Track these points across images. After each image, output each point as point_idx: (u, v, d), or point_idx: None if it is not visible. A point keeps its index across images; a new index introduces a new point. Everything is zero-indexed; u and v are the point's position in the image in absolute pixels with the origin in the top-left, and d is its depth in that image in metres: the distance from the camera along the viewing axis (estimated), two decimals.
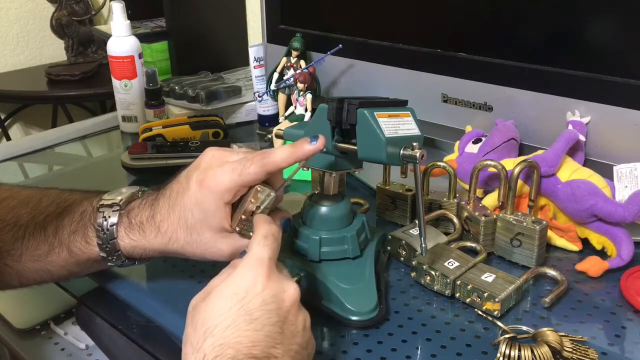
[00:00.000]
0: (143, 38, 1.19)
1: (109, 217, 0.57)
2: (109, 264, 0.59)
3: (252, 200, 0.53)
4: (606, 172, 0.67)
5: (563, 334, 0.53)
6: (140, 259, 0.59)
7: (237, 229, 0.53)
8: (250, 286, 0.45)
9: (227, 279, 0.46)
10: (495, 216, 0.66)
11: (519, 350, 0.50)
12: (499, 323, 0.56)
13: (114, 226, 0.56)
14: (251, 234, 0.51)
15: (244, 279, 0.46)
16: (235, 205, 0.54)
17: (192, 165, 0.56)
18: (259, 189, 0.53)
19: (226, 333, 0.43)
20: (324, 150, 0.54)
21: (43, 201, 0.60)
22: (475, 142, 0.76)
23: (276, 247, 0.49)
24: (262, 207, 0.53)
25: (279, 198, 0.56)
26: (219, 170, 0.52)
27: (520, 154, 0.75)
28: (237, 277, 0.46)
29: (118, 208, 0.57)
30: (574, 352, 0.51)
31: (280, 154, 0.52)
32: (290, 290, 0.47)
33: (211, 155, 0.55)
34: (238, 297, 0.45)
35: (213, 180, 0.52)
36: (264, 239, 0.49)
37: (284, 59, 0.99)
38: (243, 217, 0.53)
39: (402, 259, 0.66)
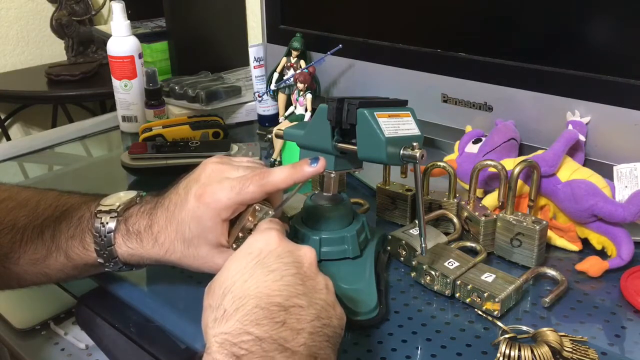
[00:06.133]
0: (143, 38, 1.19)
1: (107, 223, 0.56)
2: (107, 269, 0.58)
3: (250, 219, 0.53)
4: (606, 172, 0.67)
5: (563, 334, 0.53)
6: (137, 265, 0.59)
7: (234, 245, 0.53)
8: (264, 246, 0.46)
9: (240, 247, 0.48)
10: (495, 216, 0.66)
11: (519, 350, 0.50)
12: (499, 323, 0.56)
13: (112, 233, 0.56)
14: None
15: (256, 243, 0.47)
16: (233, 221, 0.54)
17: (191, 176, 0.55)
18: (257, 207, 0.53)
19: (245, 286, 0.43)
20: (324, 171, 0.54)
21: (41, 204, 0.59)
22: (475, 142, 0.76)
23: (281, 228, 0.50)
24: None
25: (276, 216, 0.56)
26: (218, 187, 0.52)
27: (520, 154, 0.75)
28: (249, 242, 0.48)
29: (116, 215, 0.56)
30: (574, 352, 0.51)
31: (280, 174, 0.53)
32: (305, 249, 0.48)
33: (211, 169, 0.55)
34: (252, 255, 0.46)
35: (212, 196, 0.52)
36: (269, 222, 0.51)
37: (284, 59, 0.99)
38: (240, 235, 0.53)
39: (402, 259, 0.66)
